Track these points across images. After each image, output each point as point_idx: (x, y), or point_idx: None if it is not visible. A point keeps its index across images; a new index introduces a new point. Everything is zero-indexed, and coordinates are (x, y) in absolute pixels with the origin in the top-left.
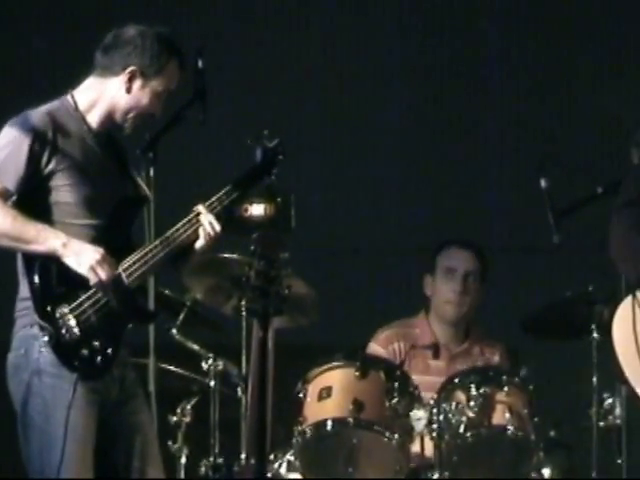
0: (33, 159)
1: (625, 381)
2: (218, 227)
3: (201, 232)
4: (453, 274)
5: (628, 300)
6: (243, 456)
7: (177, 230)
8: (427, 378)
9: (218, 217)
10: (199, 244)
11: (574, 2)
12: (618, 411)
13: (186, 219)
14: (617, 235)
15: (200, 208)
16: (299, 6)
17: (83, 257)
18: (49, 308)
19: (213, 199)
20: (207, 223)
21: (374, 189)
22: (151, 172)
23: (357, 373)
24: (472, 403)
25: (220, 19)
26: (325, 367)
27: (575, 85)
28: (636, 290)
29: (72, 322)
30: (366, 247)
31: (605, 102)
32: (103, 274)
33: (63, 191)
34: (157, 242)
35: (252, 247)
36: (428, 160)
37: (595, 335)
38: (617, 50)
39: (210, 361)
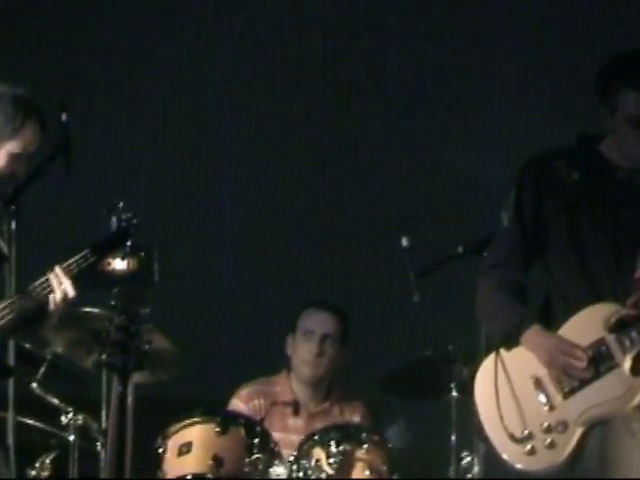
0: None
1: (485, 437)
2: (72, 293)
3: (51, 298)
4: (311, 335)
5: (491, 357)
6: None
7: (31, 291)
8: (286, 436)
9: (75, 279)
10: (50, 307)
11: (411, 69)
12: (476, 469)
13: (41, 280)
14: (483, 296)
15: (57, 271)
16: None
17: None
18: None
19: (71, 261)
20: (60, 289)
21: None
22: (13, 225)
23: (217, 429)
24: (331, 460)
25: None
26: (185, 422)
27: (432, 146)
28: (499, 348)
29: None
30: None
31: (463, 163)
32: None
33: None
34: (9, 301)
35: (113, 301)
36: None
37: (454, 394)
38: (474, 112)
39: (70, 415)
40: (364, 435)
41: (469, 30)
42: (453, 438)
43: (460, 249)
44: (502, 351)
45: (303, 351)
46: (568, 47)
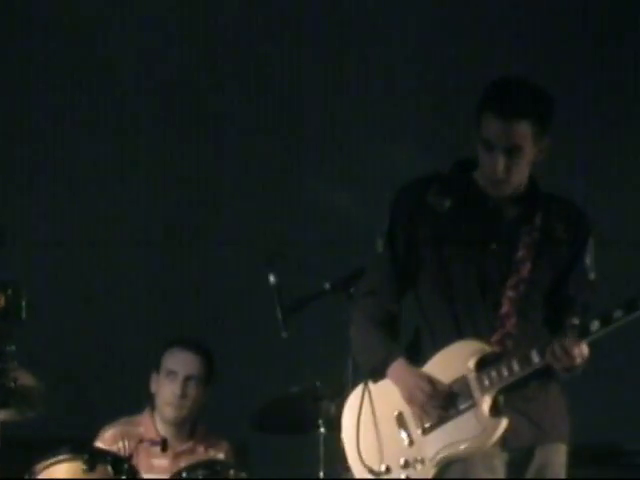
0: None
1: (348, 468)
2: None
3: None
4: (174, 376)
5: (359, 389)
6: None
7: None
8: (152, 477)
9: None
10: None
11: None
12: None
13: None
14: (356, 323)
15: None
16: None
17: None
18: None
19: None
20: None
21: None
22: None
23: (84, 467)
24: None
25: None
26: (51, 461)
27: (303, 181)
28: (367, 381)
29: None
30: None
31: (331, 199)
32: None
33: None
34: None
35: None
36: None
37: (322, 430)
38: (340, 150)
39: None
40: (231, 472)
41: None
42: (321, 474)
43: (327, 285)
44: (370, 384)
45: (166, 392)
46: (428, 87)
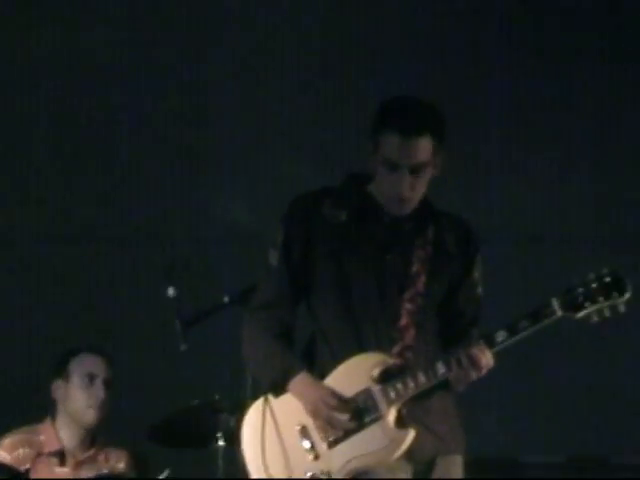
0: None
1: None
2: None
3: None
4: (93, 379)
5: (259, 404)
6: None
7: None
8: None
9: None
10: None
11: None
12: None
13: None
14: (251, 337)
15: None
16: None
17: None
18: None
19: None
20: None
21: None
22: None
23: None
24: None
25: None
26: None
27: (204, 195)
28: (267, 395)
29: None
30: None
31: (231, 213)
32: None
33: None
34: None
35: None
36: None
37: (221, 443)
38: (240, 165)
39: None
40: None
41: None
42: None
43: (226, 298)
44: (270, 398)
45: (85, 396)
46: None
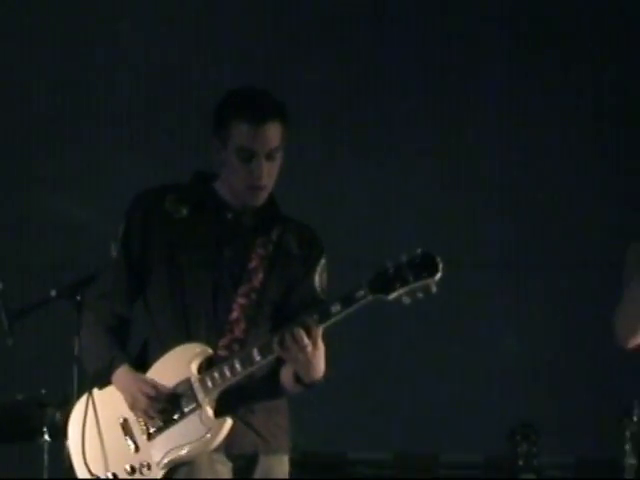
0: None
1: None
2: None
3: None
4: None
5: (85, 397)
6: None
7: None
8: None
9: None
10: None
11: None
12: None
13: None
14: (86, 327)
15: None
16: None
17: None
18: None
19: None
20: None
21: None
22: None
23: None
24: None
25: None
26: None
27: (36, 194)
28: (92, 388)
29: None
30: None
31: (68, 212)
32: None
33: None
34: None
35: None
36: None
37: (46, 438)
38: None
39: None
40: None
41: None
42: None
43: (53, 293)
44: (95, 391)
45: None
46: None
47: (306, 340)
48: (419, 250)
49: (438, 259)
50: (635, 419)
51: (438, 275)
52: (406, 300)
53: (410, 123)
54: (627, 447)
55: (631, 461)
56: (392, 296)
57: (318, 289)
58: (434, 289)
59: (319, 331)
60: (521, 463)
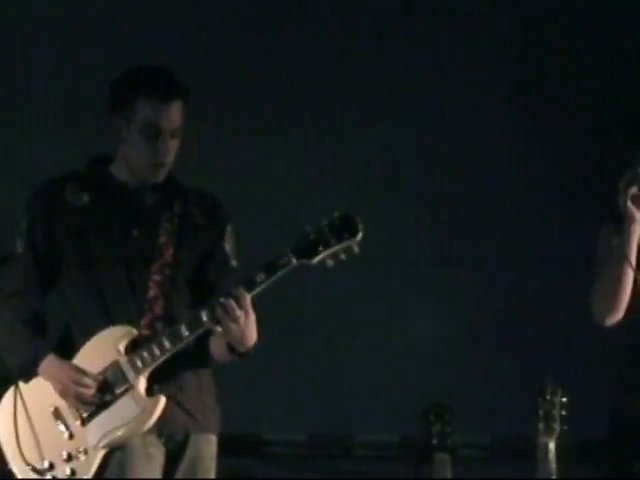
0: None
1: (10, 471)
2: None
3: None
4: None
5: (11, 391)
6: None
7: None
8: None
9: None
10: None
11: None
12: None
13: None
14: (1, 324)
15: None
16: None
17: None
18: None
19: None
20: None
21: None
22: None
23: None
24: None
25: None
26: None
27: None
28: (18, 382)
29: None
30: None
31: None
32: None
33: None
34: None
35: None
36: None
37: None
38: None
39: None
40: None
41: None
42: None
43: None
44: (21, 384)
45: None
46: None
47: (238, 311)
48: (338, 213)
49: (358, 220)
50: (548, 397)
51: (359, 235)
52: (329, 263)
53: None
54: (540, 426)
55: (543, 439)
56: (316, 260)
57: (230, 256)
58: (356, 249)
59: (249, 299)
60: (435, 442)
